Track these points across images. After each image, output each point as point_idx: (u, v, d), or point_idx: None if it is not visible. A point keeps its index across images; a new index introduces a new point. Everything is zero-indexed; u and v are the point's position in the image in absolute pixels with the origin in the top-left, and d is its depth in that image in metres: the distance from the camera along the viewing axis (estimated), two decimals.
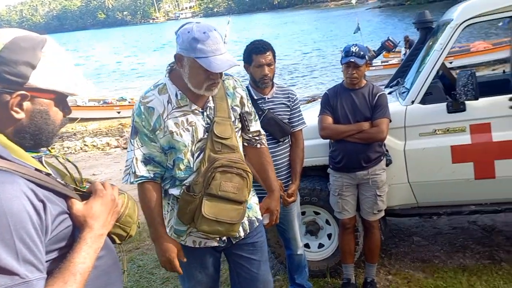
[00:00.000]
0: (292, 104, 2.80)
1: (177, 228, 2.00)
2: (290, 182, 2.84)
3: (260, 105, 2.71)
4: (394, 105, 3.36)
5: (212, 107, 1.93)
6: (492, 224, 3.96)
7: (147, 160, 1.91)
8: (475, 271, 3.28)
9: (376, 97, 3.00)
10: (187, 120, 1.88)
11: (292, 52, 27.37)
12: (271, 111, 2.71)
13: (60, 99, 1.17)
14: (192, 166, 1.90)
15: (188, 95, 1.88)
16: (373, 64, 15.04)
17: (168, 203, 2.02)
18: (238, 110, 2.02)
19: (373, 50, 14.99)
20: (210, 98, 1.92)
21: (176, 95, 1.88)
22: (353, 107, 3.02)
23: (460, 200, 3.25)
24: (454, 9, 3.48)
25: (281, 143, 2.76)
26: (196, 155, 1.90)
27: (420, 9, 4.18)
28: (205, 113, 1.91)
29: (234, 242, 2.06)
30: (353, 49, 2.96)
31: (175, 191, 1.95)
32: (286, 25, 52.51)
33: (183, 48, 1.77)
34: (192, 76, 1.81)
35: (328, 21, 49.89)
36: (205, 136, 1.90)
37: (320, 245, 3.54)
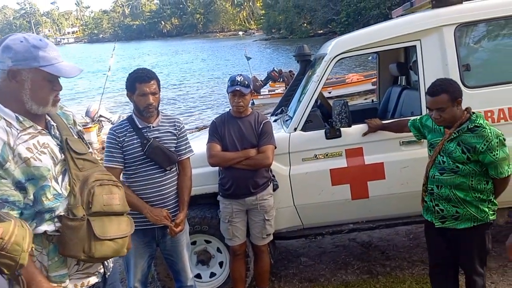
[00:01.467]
0: (179, 132, 2.77)
1: (57, 274, 1.69)
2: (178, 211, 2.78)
3: (145, 134, 2.64)
4: (279, 132, 3.53)
5: (55, 126, 1.74)
6: (369, 240, 4.31)
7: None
8: (356, 286, 3.51)
9: (262, 125, 3.12)
10: (38, 142, 1.64)
11: (184, 81, 27.41)
12: (157, 139, 2.66)
13: None
14: (61, 191, 1.67)
15: (27, 116, 1.64)
16: (261, 93, 15.69)
17: (34, 248, 1.62)
18: (75, 129, 1.87)
19: (260, 80, 15.62)
20: (48, 117, 1.74)
21: (17, 118, 1.62)
22: (240, 135, 3.11)
23: (340, 219, 3.48)
24: (328, 44, 3.80)
25: (168, 172, 2.70)
26: (60, 179, 1.68)
27: (302, 42, 4.50)
28: (52, 133, 1.72)
29: (107, 275, 1.89)
30: (238, 78, 3.07)
31: (48, 227, 1.65)
32: (177, 54, 52.53)
33: (20, 60, 1.57)
34: (35, 90, 1.62)
35: (217, 50, 51.08)
36: (63, 157, 1.70)
37: (212, 274, 3.52)
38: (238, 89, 3.04)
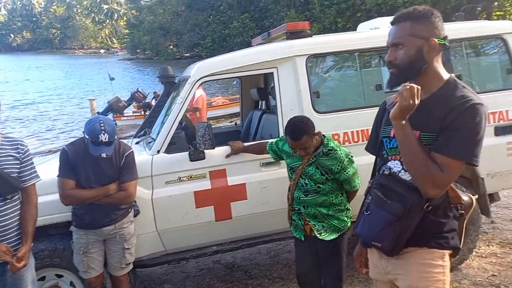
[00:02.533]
0: (22, 156, 2.44)
1: None
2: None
3: None
4: (142, 155, 3.41)
5: None
6: (233, 261, 4.37)
7: None
8: None
9: (124, 158, 2.95)
10: None
11: (39, 99, 25.04)
12: None
13: None
14: None
15: None
16: (125, 114, 15.10)
17: None
18: None
19: (124, 101, 15.04)
20: None
21: None
22: (97, 169, 2.88)
23: (204, 242, 3.46)
24: (192, 66, 3.83)
25: (8, 200, 2.38)
26: None
27: (168, 64, 4.47)
28: None
29: None
30: (103, 137, 2.78)
31: None
32: (31, 69, 47.81)
33: None
34: None
35: (77, 68, 47.92)
36: None
37: None
38: (104, 155, 2.80)
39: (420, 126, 1.65)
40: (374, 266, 1.91)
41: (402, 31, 1.67)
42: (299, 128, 2.64)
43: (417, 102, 1.55)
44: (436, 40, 1.64)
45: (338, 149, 2.72)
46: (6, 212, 2.37)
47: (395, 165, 1.75)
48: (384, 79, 4.14)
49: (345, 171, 2.68)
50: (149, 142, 3.61)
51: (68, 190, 2.84)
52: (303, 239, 2.84)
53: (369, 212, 1.78)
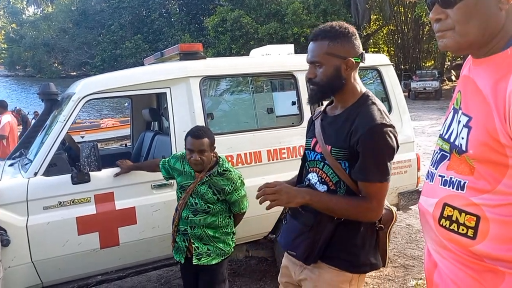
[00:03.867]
0: None
1: None
2: None
3: None
4: (15, 178, 3.07)
5: None
6: None
7: None
8: None
9: None
10: None
11: None
12: None
13: None
14: None
15: None
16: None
17: None
18: None
19: None
20: None
21: None
22: None
23: (87, 272, 3.19)
24: (77, 83, 3.58)
25: None
26: None
27: (53, 82, 4.12)
28: None
29: None
30: None
31: None
32: None
33: None
34: None
35: None
36: None
37: None
38: None
39: (331, 141, 1.73)
40: (285, 270, 1.95)
41: (320, 50, 1.72)
42: (203, 129, 2.73)
43: (285, 196, 1.64)
44: (352, 59, 1.71)
45: (232, 170, 2.73)
46: None
47: (313, 177, 1.80)
48: (275, 103, 4.31)
49: (236, 192, 2.69)
50: (25, 164, 3.27)
51: None
52: (183, 261, 2.77)
53: (285, 222, 1.88)
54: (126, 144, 5.57)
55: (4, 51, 59.29)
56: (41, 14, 60.30)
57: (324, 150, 1.75)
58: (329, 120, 1.81)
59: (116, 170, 3.22)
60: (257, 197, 1.65)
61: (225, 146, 3.50)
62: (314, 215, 1.72)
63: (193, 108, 3.45)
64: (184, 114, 3.43)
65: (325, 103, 1.96)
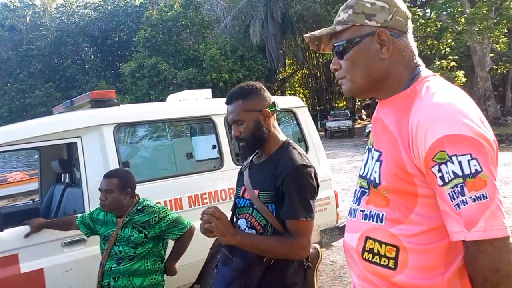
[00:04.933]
0: None
1: None
2: None
3: None
4: None
5: None
6: None
7: None
8: None
9: None
10: None
11: None
12: None
13: None
14: None
15: None
16: None
17: None
18: None
19: None
20: None
21: None
22: None
23: None
24: None
25: None
26: None
27: None
28: None
29: None
30: None
31: None
32: None
33: None
34: None
35: None
36: None
37: None
38: None
39: (258, 186, 1.85)
40: None
41: (238, 109, 1.88)
42: (117, 170, 2.73)
43: (221, 227, 1.66)
44: (267, 109, 1.88)
45: (153, 205, 2.63)
46: None
47: (242, 223, 1.88)
48: (194, 148, 4.27)
49: (164, 220, 2.57)
50: None
51: None
52: None
53: (217, 270, 1.94)
54: (33, 200, 5.14)
55: None
56: None
57: (252, 195, 1.85)
58: (255, 168, 1.95)
59: (21, 229, 2.94)
60: (202, 214, 1.68)
61: (145, 193, 3.35)
62: (243, 260, 1.79)
63: (106, 157, 3.29)
64: (97, 163, 3.26)
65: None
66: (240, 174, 2.05)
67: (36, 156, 5.35)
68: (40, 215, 4.06)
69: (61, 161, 4.18)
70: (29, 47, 38.77)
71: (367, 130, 22.51)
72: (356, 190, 1.37)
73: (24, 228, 2.96)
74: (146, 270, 2.54)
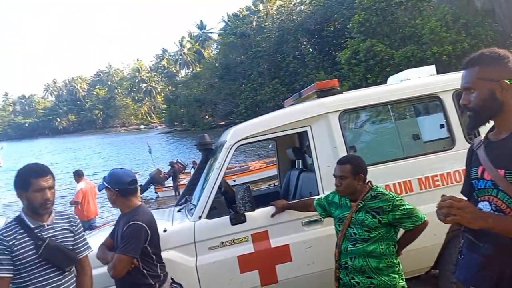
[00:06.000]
0: (75, 229, 2.55)
1: None
2: None
3: (39, 234, 2.37)
4: (184, 222, 3.44)
5: None
6: None
7: None
8: None
9: (125, 227, 2.70)
10: None
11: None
12: (53, 239, 2.41)
13: None
14: None
15: None
16: (166, 185, 15.41)
17: None
18: None
19: (164, 172, 15.33)
20: None
21: None
22: (115, 235, 2.87)
23: None
24: (227, 132, 3.94)
25: (67, 273, 2.44)
26: None
27: (205, 133, 4.61)
28: None
29: None
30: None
31: None
32: (73, 150, 50.24)
33: None
34: None
35: (118, 145, 49.97)
36: None
37: None
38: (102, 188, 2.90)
39: (503, 165, 1.65)
40: None
41: (472, 75, 1.73)
42: (349, 157, 2.89)
43: (467, 214, 1.52)
44: (507, 81, 1.68)
45: (387, 193, 2.67)
46: (66, 285, 2.43)
47: (484, 206, 1.72)
48: (421, 129, 4.10)
49: (398, 209, 2.57)
50: (191, 209, 3.65)
51: (100, 247, 2.94)
52: None
53: (462, 256, 1.81)
54: (274, 184, 5.82)
55: (164, 111, 67.89)
56: (191, 74, 67.96)
57: (495, 175, 1.67)
58: (495, 145, 1.75)
59: (268, 209, 3.40)
60: (440, 207, 1.56)
61: (371, 177, 3.43)
62: (494, 245, 1.64)
63: (334, 143, 3.49)
64: (326, 149, 3.49)
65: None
66: (472, 153, 1.88)
67: (271, 146, 6.07)
68: (281, 197, 4.59)
69: (294, 148, 4.62)
70: (257, 50, 43.56)
71: None
72: None
73: (270, 209, 3.42)
74: (381, 253, 2.59)
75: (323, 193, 3.29)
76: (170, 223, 3.47)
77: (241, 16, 51.99)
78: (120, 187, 2.78)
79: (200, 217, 3.34)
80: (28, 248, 2.32)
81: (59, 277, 2.40)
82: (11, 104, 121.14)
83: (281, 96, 36.68)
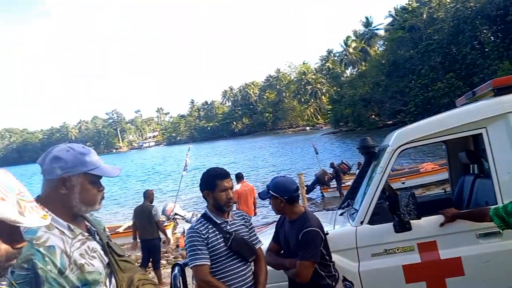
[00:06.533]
0: (249, 224, 2.89)
1: None
2: None
3: (225, 229, 2.74)
4: (345, 226, 3.46)
5: (94, 230, 1.79)
6: None
7: None
8: None
9: (301, 234, 2.82)
10: (88, 247, 1.68)
11: (255, 175, 27.98)
12: (237, 232, 2.76)
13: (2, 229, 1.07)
14: None
15: (72, 222, 1.68)
16: (331, 186, 15.55)
17: None
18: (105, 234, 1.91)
19: (330, 173, 15.51)
20: (87, 223, 1.79)
21: (68, 226, 1.64)
22: (286, 239, 3.03)
23: None
24: (390, 135, 3.81)
25: (249, 263, 2.78)
26: (107, 281, 1.73)
27: (371, 134, 4.55)
28: (95, 238, 1.76)
29: None
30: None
31: None
32: (248, 150, 54.36)
33: (70, 168, 1.64)
34: (84, 193, 1.68)
35: (286, 146, 52.17)
36: (107, 260, 1.75)
37: None
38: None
39: None
40: None
41: None
42: None
43: None
44: None
45: None
46: (249, 274, 2.76)
47: None
48: None
49: None
50: (352, 213, 3.64)
51: (268, 250, 3.13)
52: None
53: None
54: (445, 190, 5.38)
55: (329, 112, 68.48)
56: (356, 74, 67.11)
57: None
58: None
59: (437, 218, 3.19)
60: None
61: None
62: None
63: None
64: (506, 154, 3.11)
65: None
66: None
67: (443, 147, 5.56)
68: (453, 205, 4.22)
69: (468, 152, 4.21)
70: (428, 43, 40.67)
71: None
72: None
73: (439, 217, 3.19)
74: None
75: (502, 203, 2.93)
76: (332, 227, 3.52)
77: (410, 8, 49.18)
78: (288, 195, 2.95)
79: (362, 222, 3.31)
80: (220, 241, 2.68)
81: (244, 267, 2.73)
82: (196, 110, 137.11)
83: (456, 92, 33.55)
